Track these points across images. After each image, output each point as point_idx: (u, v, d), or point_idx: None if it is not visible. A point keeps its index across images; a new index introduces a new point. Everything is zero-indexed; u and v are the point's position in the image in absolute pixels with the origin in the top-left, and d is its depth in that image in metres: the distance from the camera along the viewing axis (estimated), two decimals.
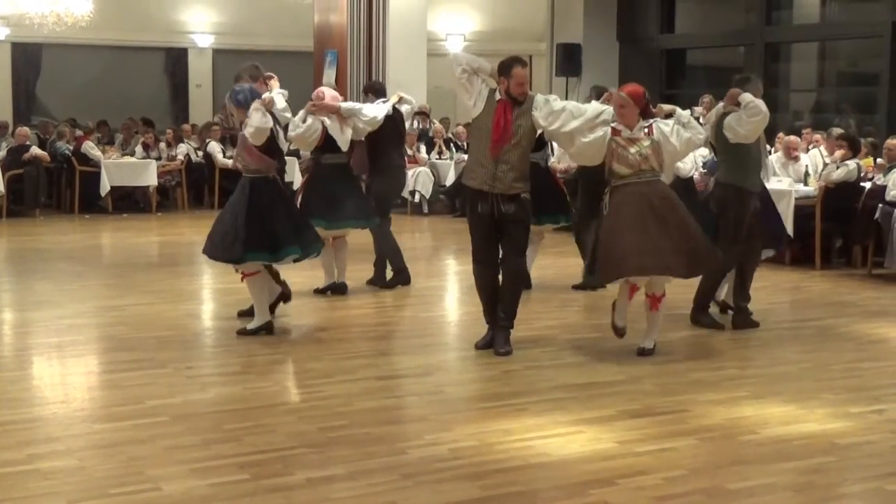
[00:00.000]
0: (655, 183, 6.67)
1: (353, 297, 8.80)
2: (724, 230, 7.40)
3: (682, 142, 6.70)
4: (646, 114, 6.70)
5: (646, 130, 6.66)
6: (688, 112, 6.91)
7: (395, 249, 9.21)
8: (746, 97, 7.19)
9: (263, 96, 7.15)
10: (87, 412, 5.55)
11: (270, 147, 7.13)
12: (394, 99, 9.16)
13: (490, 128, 6.59)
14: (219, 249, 7.17)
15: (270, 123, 7.07)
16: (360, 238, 9.13)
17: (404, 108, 9.30)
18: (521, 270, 6.92)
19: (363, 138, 8.83)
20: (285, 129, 7.53)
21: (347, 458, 4.74)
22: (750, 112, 7.18)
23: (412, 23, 16.53)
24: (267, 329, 7.25)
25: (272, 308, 7.43)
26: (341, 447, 4.92)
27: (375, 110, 8.85)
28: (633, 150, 6.60)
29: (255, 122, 7.00)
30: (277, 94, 7.38)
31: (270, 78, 7.65)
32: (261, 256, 7.06)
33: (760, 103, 7.18)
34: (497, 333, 6.83)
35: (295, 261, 7.33)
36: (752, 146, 7.40)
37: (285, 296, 7.56)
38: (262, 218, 7.04)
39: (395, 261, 9.20)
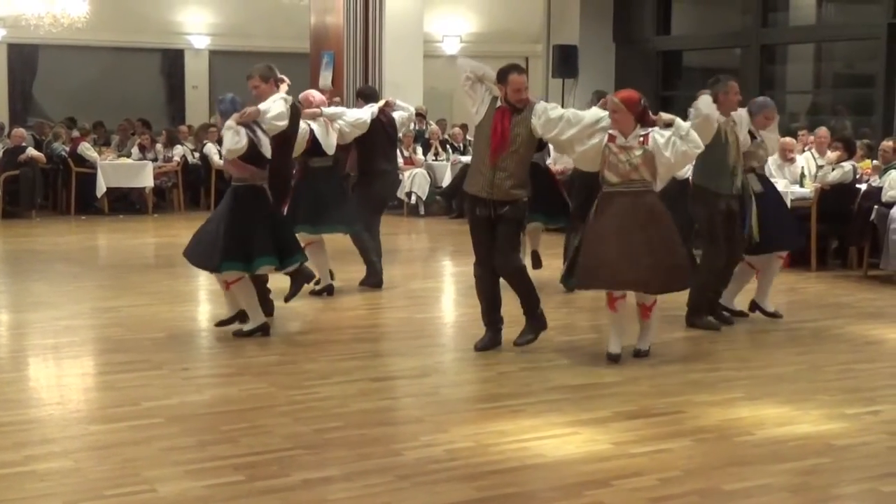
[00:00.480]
0: (644, 194, 6.50)
1: (349, 299, 8.81)
2: (700, 231, 7.38)
3: (678, 154, 6.53)
4: (643, 121, 6.53)
5: (641, 139, 6.50)
6: (688, 124, 6.74)
7: (373, 249, 9.19)
8: (698, 102, 7.11)
9: (246, 109, 6.97)
10: (83, 414, 5.55)
11: (253, 156, 7.00)
12: (380, 102, 9.18)
13: (489, 135, 6.60)
14: (196, 255, 7.19)
15: (243, 143, 6.88)
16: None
17: (398, 115, 9.32)
18: (515, 267, 6.83)
19: (353, 141, 8.87)
20: (278, 137, 7.23)
21: (343, 460, 4.75)
22: (692, 115, 7.12)
23: (408, 24, 16.56)
24: (263, 330, 7.24)
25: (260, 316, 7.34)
26: (337, 448, 4.92)
27: (360, 112, 8.89)
28: (623, 158, 6.46)
29: (226, 143, 6.92)
30: (278, 101, 7.28)
31: (282, 81, 7.54)
32: (235, 266, 7.02)
33: (704, 107, 7.02)
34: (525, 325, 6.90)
35: (275, 271, 7.30)
36: (716, 149, 7.20)
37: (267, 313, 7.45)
38: (243, 227, 7.00)
39: (370, 258, 9.19)
